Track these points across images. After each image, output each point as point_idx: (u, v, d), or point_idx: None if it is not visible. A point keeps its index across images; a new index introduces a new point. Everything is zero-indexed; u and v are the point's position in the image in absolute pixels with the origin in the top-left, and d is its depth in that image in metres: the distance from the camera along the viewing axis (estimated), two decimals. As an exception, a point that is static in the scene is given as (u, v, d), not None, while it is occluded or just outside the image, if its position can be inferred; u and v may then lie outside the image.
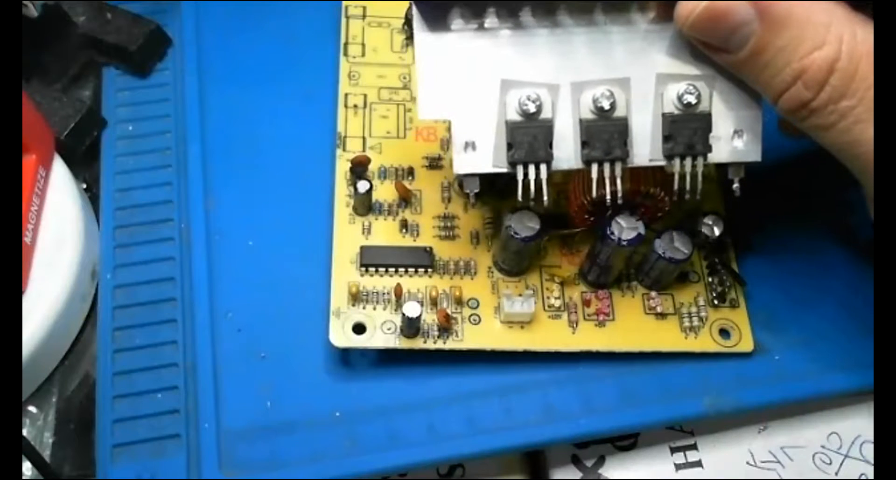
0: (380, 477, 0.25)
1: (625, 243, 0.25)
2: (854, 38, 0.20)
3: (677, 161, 0.23)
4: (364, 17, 0.32)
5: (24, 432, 0.27)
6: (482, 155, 0.23)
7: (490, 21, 0.23)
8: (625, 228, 0.25)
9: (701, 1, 0.21)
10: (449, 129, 0.24)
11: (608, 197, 0.23)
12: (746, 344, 0.27)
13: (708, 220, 0.27)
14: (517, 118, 0.23)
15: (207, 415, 0.25)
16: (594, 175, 0.23)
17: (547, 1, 0.22)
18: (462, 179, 0.23)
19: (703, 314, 0.27)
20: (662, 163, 0.23)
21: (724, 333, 0.27)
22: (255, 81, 0.31)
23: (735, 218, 0.28)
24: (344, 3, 0.32)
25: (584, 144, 0.23)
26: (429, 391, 0.26)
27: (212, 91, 0.31)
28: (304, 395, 0.26)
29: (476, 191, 0.23)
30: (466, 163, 0.23)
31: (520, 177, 0.23)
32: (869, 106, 0.20)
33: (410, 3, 0.22)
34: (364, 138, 0.29)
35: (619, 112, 0.23)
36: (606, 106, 0.22)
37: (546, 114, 0.23)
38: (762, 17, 0.20)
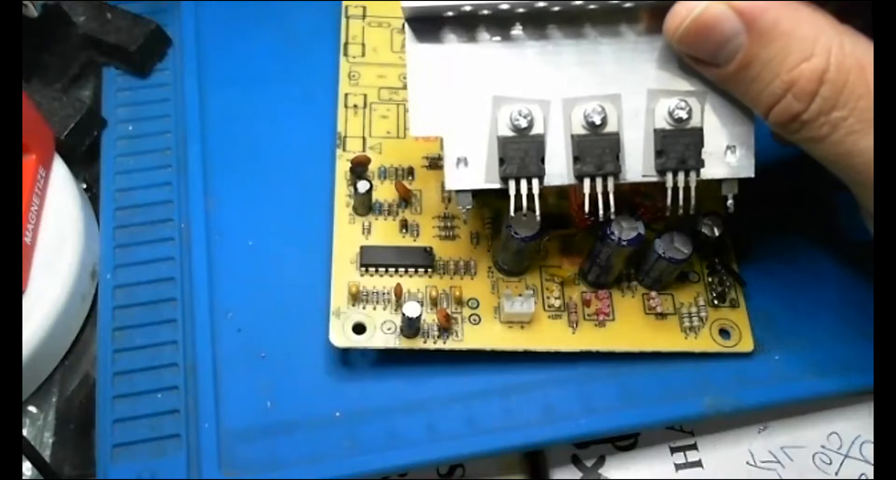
0: (380, 477, 0.25)
1: (625, 243, 0.25)
2: (842, 50, 0.20)
3: (670, 176, 0.23)
4: (364, 17, 0.32)
5: (24, 432, 0.27)
6: (474, 170, 0.23)
7: (481, 37, 0.22)
8: (625, 228, 0.25)
9: (692, 8, 0.21)
10: (441, 146, 0.23)
11: (601, 212, 0.23)
12: (746, 344, 0.27)
13: (708, 220, 0.26)
14: (509, 133, 0.22)
15: (207, 415, 0.25)
16: (587, 190, 0.23)
17: (537, 15, 0.22)
18: (455, 195, 0.23)
19: (703, 314, 0.27)
20: (655, 178, 0.23)
21: (724, 333, 0.27)
22: (255, 81, 0.31)
23: (735, 218, 0.28)
24: (344, 3, 0.32)
25: (575, 159, 0.23)
26: (429, 391, 0.26)
27: (212, 91, 0.31)
28: (304, 395, 0.26)
29: (469, 206, 0.23)
30: (459, 178, 0.23)
31: (512, 192, 0.23)
32: (860, 116, 0.20)
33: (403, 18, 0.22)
34: (364, 138, 0.29)
35: (611, 127, 0.23)
36: (598, 121, 0.22)
37: (538, 129, 0.22)
38: (749, 30, 0.20)
